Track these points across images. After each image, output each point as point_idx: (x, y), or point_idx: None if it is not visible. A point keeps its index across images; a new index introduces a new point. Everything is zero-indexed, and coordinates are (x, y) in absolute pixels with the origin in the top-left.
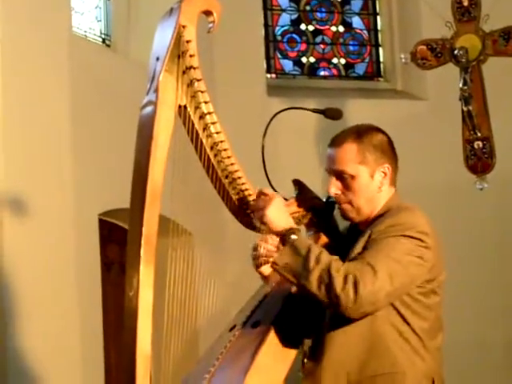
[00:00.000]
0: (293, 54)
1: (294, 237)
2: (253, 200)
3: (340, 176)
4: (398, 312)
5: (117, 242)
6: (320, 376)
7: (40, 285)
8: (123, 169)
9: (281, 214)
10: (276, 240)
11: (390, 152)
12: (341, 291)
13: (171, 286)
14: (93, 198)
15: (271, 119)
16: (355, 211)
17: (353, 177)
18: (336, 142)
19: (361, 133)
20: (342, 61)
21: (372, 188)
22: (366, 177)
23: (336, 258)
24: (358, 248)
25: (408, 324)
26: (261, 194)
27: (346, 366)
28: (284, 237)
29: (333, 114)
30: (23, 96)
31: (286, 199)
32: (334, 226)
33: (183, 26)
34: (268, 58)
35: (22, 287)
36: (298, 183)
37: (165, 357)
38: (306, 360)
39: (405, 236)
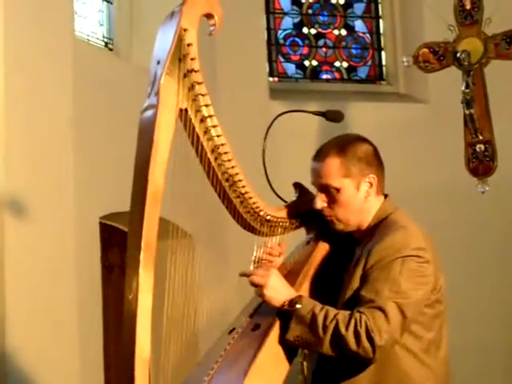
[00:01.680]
0: (295, 58)
1: (297, 306)
2: (250, 278)
3: (325, 189)
4: (407, 329)
5: (117, 245)
6: None
7: (40, 288)
8: (124, 172)
9: (278, 288)
10: (276, 246)
11: (375, 162)
12: (357, 348)
13: (171, 289)
14: (94, 201)
15: (272, 122)
16: (343, 224)
17: (338, 190)
18: (319, 155)
19: (344, 145)
20: (345, 64)
21: (358, 200)
22: (351, 189)
23: (341, 312)
24: (356, 280)
25: (415, 337)
26: (257, 270)
27: None
28: (287, 310)
29: (334, 117)
30: (26, 99)
31: (285, 201)
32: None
33: (184, 30)
34: (270, 61)
35: (22, 290)
36: (298, 186)
37: (164, 360)
38: (305, 363)
39: (403, 257)
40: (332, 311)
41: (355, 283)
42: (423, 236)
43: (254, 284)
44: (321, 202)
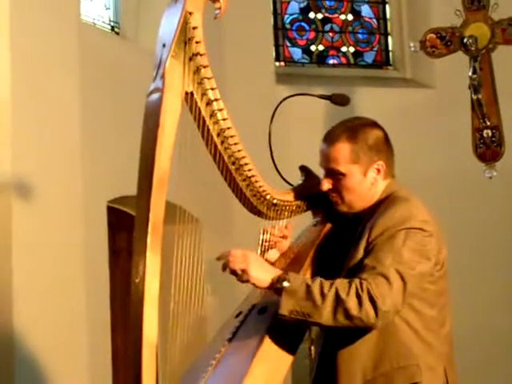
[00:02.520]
0: (302, 42)
1: (286, 284)
2: (228, 264)
3: (332, 173)
4: (408, 303)
5: (125, 229)
6: (333, 374)
7: (48, 271)
8: (132, 156)
9: (262, 268)
10: (283, 226)
11: (384, 148)
12: (359, 313)
13: (178, 273)
14: (101, 185)
15: (278, 105)
16: (346, 206)
17: (344, 175)
18: (330, 138)
19: (355, 131)
20: (351, 49)
21: (364, 185)
22: (359, 175)
23: (339, 280)
24: (360, 249)
25: (417, 314)
26: (228, 255)
27: (360, 365)
28: (277, 287)
29: (339, 100)
30: (32, 84)
31: (291, 185)
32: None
33: (190, 13)
34: (277, 46)
35: (30, 273)
36: (304, 169)
37: (171, 344)
38: (312, 348)
39: (407, 229)
40: (327, 281)
41: (359, 254)
42: (427, 209)
43: (233, 271)
44: (327, 185)
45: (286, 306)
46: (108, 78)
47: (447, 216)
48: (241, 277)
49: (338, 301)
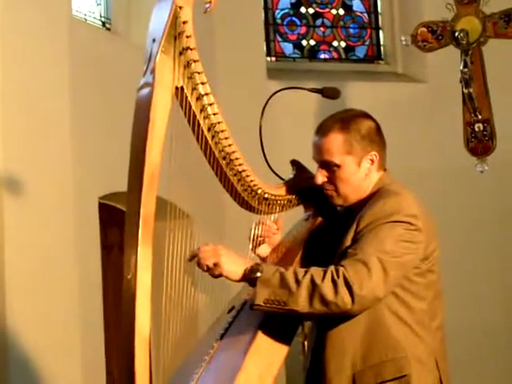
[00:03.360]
0: (293, 37)
1: (258, 274)
2: (199, 260)
3: (326, 165)
4: (396, 296)
5: (117, 224)
6: (324, 368)
7: (40, 267)
8: (123, 152)
9: (234, 260)
10: (275, 221)
11: (377, 139)
12: (334, 298)
13: (169, 268)
14: (93, 181)
15: (269, 98)
16: (342, 199)
17: (339, 166)
18: (322, 130)
19: (347, 121)
20: (343, 44)
21: (358, 176)
22: (353, 166)
23: (314, 268)
24: (348, 239)
25: (407, 307)
26: (198, 251)
27: (349, 357)
28: (249, 278)
29: (330, 93)
30: (23, 79)
31: (283, 179)
32: (332, 205)
33: (180, 7)
34: (268, 41)
35: (22, 269)
36: (295, 164)
37: (164, 339)
38: (306, 342)
39: (393, 222)
40: (301, 269)
41: (346, 245)
42: (417, 205)
43: (206, 267)
44: (321, 178)
45: (261, 296)
46: (99, 74)
47: (438, 210)
48: (213, 271)
49: (314, 287)
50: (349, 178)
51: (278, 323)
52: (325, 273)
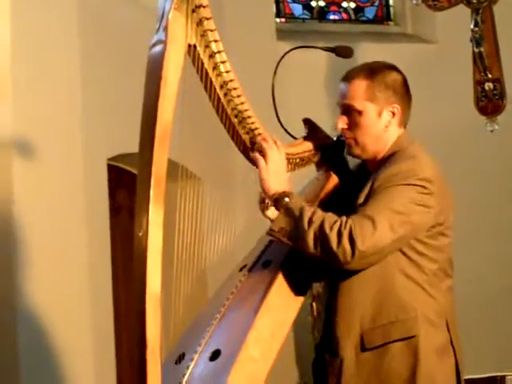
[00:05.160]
0: None
1: (286, 199)
2: (255, 147)
3: (348, 111)
4: (407, 256)
5: (125, 186)
6: (334, 327)
7: (49, 229)
8: (132, 113)
9: (276, 175)
10: None
11: (402, 92)
12: (336, 248)
13: (180, 228)
14: (101, 143)
15: (282, 57)
16: (360, 148)
17: (360, 112)
18: (348, 76)
19: (374, 70)
20: (352, 5)
21: (378, 127)
22: (373, 115)
23: (329, 214)
24: (362, 197)
25: (418, 268)
26: (270, 146)
27: (358, 316)
28: (277, 200)
29: (343, 52)
30: (32, 42)
31: (295, 138)
32: (344, 165)
33: None
34: (277, 2)
35: (31, 232)
36: (308, 122)
37: (175, 297)
38: (314, 304)
39: (407, 184)
40: (321, 211)
41: (360, 199)
42: (433, 169)
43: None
44: (342, 123)
45: (279, 223)
46: (108, 34)
47: (449, 171)
48: (259, 165)
49: (321, 232)
50: (368, 127)
51: (290, 282)
52: (335, 222)
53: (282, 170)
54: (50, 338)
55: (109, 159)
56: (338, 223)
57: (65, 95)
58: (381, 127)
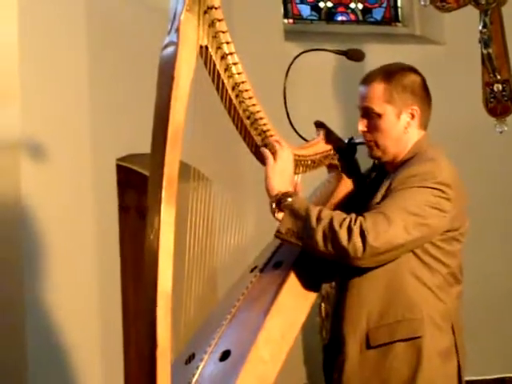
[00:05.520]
0: None
1: (290, 200)
2: (271, 147)
3: (367, 114)
4: (419, 258)
5: (134, 187)
6: (342, 325)
7: (58, 229)
8: (141, 114)
9: (282, 174)
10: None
11: (421, 94)
12: (347, 244)
13: (191, 230)
14: (110, 143)
15: (293, 60)
16: (381, 151)
17: (379, 115)
18: (367, 79)
19: (392, 72)
20: (360, 6)
21: (398, 129)
22: (392, 117)
23: (338, 212)
24: (378, 196)
25: (429, 270)
26: (280, 148)
27: (366, 313)
28: (280, 201)
29: (355, 55)
30: (39, 41)
31: (306, 140)
32: (356, 167)
33: None
34: (285, 3)
35: (40, 232)
36: (320, 125)
37: (186, 298)
38: (323, 304)
39: (424, 187)
40: (328, 210)
41: (377, 198)
42: (452, 174)
43: (265, 158)
44: (362, 126)
45: (285, 224)
46: (115, 34)
47: (458, 173)
48: (266, 167)
49: (331, 229)
50: (388, 129)
51: (301, 283)
52: (344, 219)
53: (289, 172)
54: (59, 337)
55: (117, 159)
56: (347, 220)
57: (73, 95)
58: (400, 129)
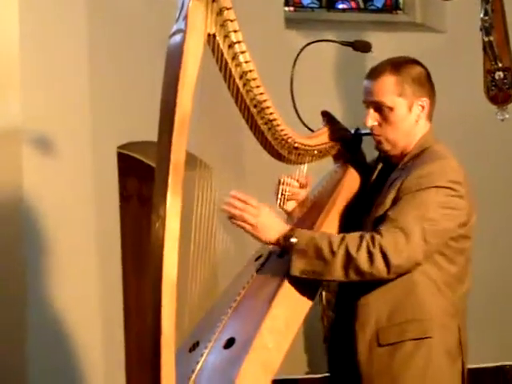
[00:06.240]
0: None
1: (293, 240)
2: (237, 214)
3: (378, 108)
4: (431, 258)
5: (135, 175)
6: (349, 322)
7: (59, 217)
8: (142, 101)
9: (270, 225)
10: (300, 176)
11: (428, 85)
12: (370, 268)
13: (195, 218)
14: (110, 131)
15: (301, 50)
16: (391, 144)
17: (391, 109)
18: (374, 73)
19: (399, 64)
20: None
21: (409, 121)
22: (404, 110)
23: (349, 235)
24: (388, 201)
25: (438, 268)
26: (242, 208)
27: (375, 312)
28: (285, 245)
29: (361, 47)
30: (41, 29)
31: (312, 131)
32: (362, 157)
33: None
34: None
35: (41, 220)
36: (326, 114)
37: (190, 286)
38: (324, 292)
39: (436, 187)
40: (336, 236)
41: (387, 204)
42: (462, 171)
43: (242, 225)
44: (371, 121)
45: (298, 266)
46: (116, 24)
47: (459, 160)
48: (248, 230)
49: (349, 258)
50: (399, 122)
51: None
52: (360, 241)
53: (272, 217)
54: (60, 329)
55: (118, 147)
56: (364, 243)
57: (73, 84)
58: (411, 122)
